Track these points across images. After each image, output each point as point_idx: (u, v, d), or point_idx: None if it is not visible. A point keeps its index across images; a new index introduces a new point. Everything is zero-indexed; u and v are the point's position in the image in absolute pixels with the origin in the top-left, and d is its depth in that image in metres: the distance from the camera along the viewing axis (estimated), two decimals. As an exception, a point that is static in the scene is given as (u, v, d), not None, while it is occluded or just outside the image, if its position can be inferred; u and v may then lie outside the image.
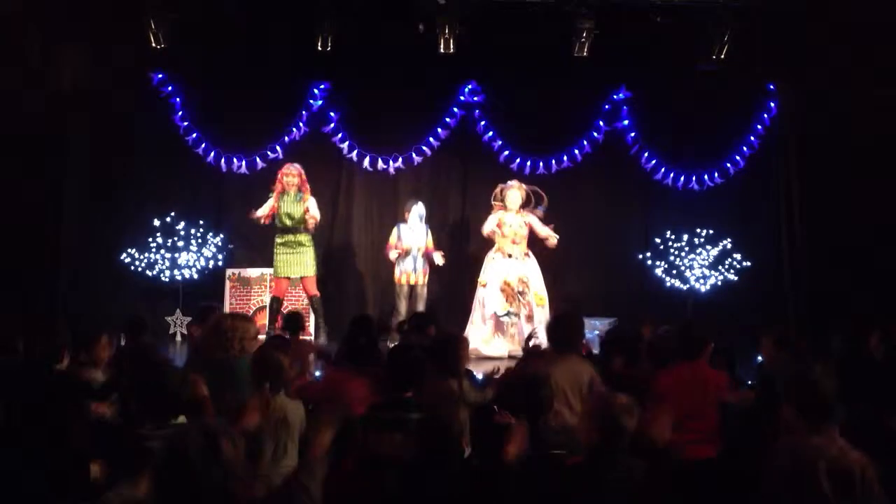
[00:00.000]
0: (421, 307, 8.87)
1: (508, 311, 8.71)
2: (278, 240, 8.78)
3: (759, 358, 6.22)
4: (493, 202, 9.05)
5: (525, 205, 9.00)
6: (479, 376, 5.70)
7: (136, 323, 6.04)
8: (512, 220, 8.95)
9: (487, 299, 8.81)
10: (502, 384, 4.82)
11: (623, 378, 4.91)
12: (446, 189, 10.16)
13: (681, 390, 4.54)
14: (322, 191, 9.46)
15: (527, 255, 8.97)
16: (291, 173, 8.81)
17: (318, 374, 6.23)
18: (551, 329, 5.27)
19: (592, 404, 3.70)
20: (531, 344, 5.76)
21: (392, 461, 3.52)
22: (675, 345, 5.03)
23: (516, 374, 4.93)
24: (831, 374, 3.48)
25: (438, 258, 9.03)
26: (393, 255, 8.99)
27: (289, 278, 8.82)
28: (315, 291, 8.83)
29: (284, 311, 8.01)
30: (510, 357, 8.16)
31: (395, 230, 9.08)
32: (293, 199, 8.79)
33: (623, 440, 3.38)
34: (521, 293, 8.73)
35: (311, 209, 8.76)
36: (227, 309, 8.86)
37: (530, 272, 8.90)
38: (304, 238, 8.79)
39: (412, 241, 8.97)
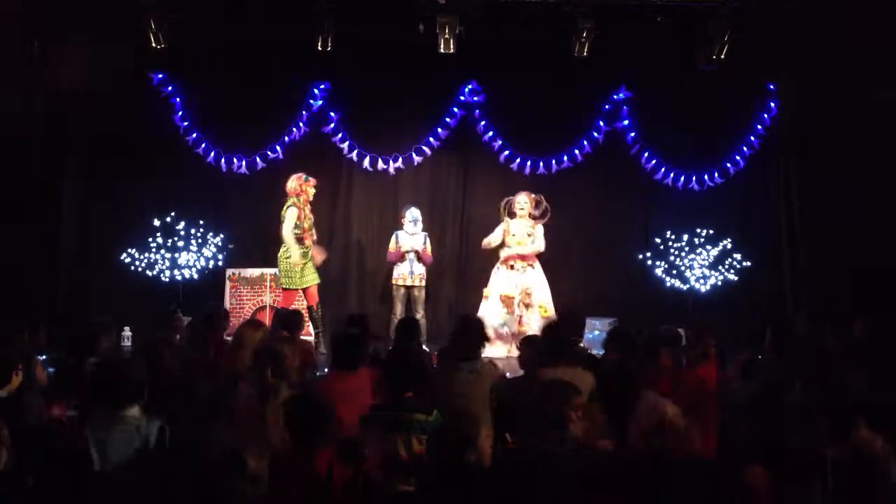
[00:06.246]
0: (420, 310, 8.90)
1: (505, 321, 8.69)
2: (299, 250, 8.48)
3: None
4: (501, 214, 9.03)
5: (533, 214, 8.98)
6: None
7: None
8: (518, 228, 8.92)
9: (488, 312, 8.77)
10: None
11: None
12: (446, 189, 10.15)
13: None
14: (322, 191, 9.45)
15: (531, 265, 8.94)
16: (314, 185, 8.68)
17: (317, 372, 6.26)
18: (546, 336, 5.22)
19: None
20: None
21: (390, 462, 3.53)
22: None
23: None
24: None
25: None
26: (393, 259, 9.05)
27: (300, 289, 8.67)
28: (318, 298, 8.81)
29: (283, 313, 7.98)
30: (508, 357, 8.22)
31: (393, 236, 9.11)
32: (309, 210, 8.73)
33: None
34: (527, 305, 8.66)
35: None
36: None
37: (535, 283, 8.86)
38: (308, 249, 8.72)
39: (408, 245, 8.98)
